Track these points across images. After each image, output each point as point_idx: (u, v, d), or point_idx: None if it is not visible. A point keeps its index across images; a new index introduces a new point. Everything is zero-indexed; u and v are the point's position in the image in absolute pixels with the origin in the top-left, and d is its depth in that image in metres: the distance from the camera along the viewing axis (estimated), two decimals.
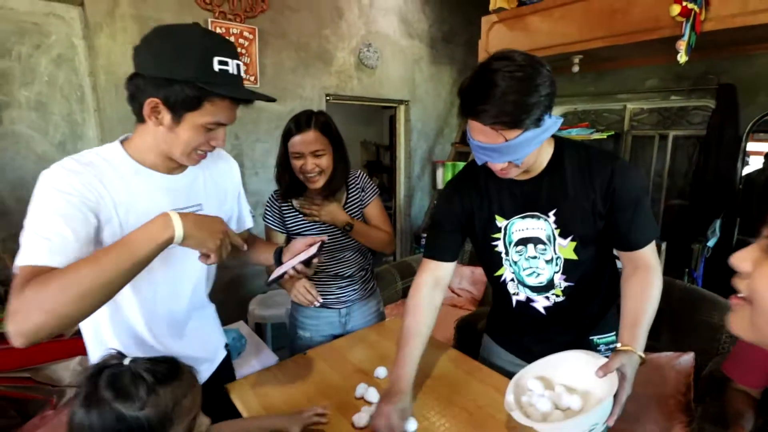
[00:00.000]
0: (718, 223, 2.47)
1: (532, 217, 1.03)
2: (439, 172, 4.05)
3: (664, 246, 2.28)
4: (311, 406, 1.05)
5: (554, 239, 1.03)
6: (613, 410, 0.83)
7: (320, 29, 3.01)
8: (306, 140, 1.30)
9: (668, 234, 2.67)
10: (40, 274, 0.68)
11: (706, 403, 1.54)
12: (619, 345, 0.92)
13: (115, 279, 0.70)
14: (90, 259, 0.70)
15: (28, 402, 1.67)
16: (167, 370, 0.66)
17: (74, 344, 1.75)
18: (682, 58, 2.04)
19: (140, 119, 0.86)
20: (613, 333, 1.13)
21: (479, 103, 0.84)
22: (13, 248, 1.99)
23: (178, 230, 0.74)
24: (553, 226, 1.02)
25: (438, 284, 1.14)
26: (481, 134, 0.89)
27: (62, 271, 0.68)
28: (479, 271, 2.73)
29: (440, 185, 4.08)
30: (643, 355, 0.89)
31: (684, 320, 1.87)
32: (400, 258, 3.78)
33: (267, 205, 1.48)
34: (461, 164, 3.91)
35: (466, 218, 1.12)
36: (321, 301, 1.22)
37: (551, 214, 1.01)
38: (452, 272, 1.17)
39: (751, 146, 2.60)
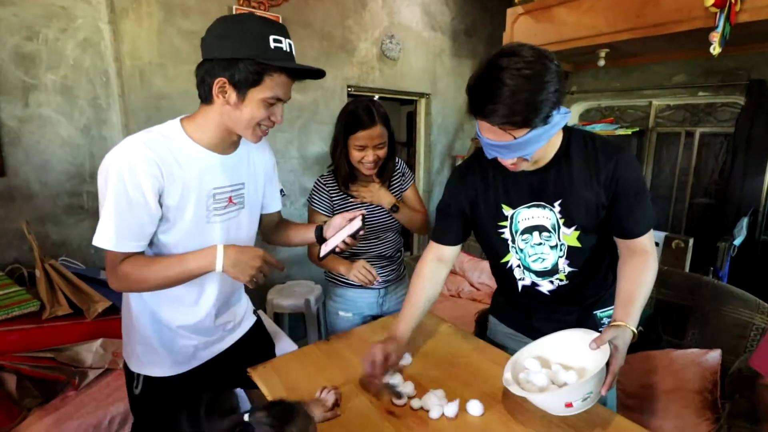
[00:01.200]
0: (745, 221, 2.42)
1: (538, 206, 1.06)
2: None
3: (691, 243, 2.24)
4: (323, 388, 1.05)
5: (559, 228, 1.06)
6: (606, 379, 0.86)
7: (343, 19, 3.00)
8: (372, 135, 1.35)
9: (693, 232, 2.62)
10: (129, 256, 0.95)
11: (735, 400, 1.51)
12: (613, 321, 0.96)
13: (174, 282, 0.98)
14: (161, 266, 0.96)
15: (51, 382, 1.68)
16: (284, 410, 0.65)
17: (96, 326, 1.76)
18: (715, 50, 1.99)
19: (207, 101, 0.97)
20: (614, 307, 1.16)
21: (487, 103, 0.84)
22: (38, 231, 2.03)
23: (219, 267, 0.96)
24: (558, 216, 1.04)
25: (442, 262, 1.22)
26: (489, 133, 0.90)
27: (142, 268, 0.95)
28: None
29: None
30: (635, 330, 0.92)
31: (711, 317, 1.83)
32: (418, 252, 3.77)
33: (314, 190, 1.51)
34: None
35: (469, 206, 1.15)
36: (380, 279, 1.31)
37: (557, 204, 1.04)
38: (456, 254, 1.24)
39: None
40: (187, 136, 0.99)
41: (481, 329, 2.13)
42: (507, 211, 1.09)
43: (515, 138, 0.87)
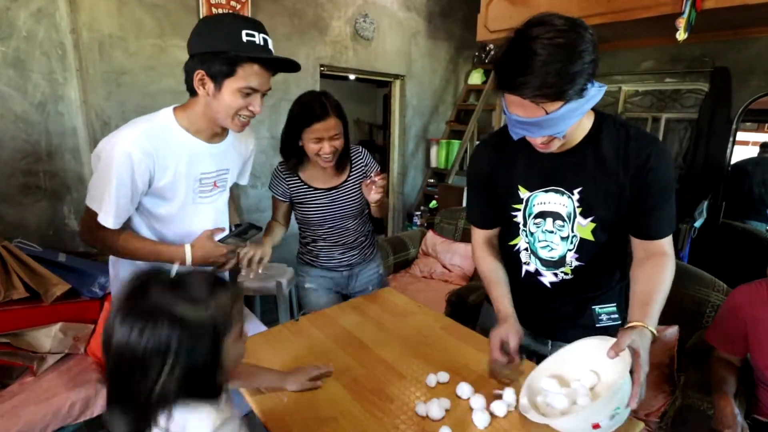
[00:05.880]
0: (705, 204, 2.51)
1: (556, 192, 1.00)
2: (433, 150, 4.01)
3: None
4: (312, 365, 1.05)
5: (574, 217, 0.99)
6: (633, 391, 0.77)
7: None
8: (327, 127, 1.36)
9: None
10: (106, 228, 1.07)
11: (690, 372, 1.58)
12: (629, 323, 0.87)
13: (144, 261, 1.12)
14: (136, 248, 1.10)
15: (7, 368, 1.62)
16: (214, 276, 0.65)
17: (55, 310, 1.71)
18: (680, 35, 2.03)
19: (193, 93, 1.07)
20: (614, 304, 1.12)
21: (518, 75, 0.78)
22: None
23: (189, 261, 1.11)
24: (576, 204, 0.98)
25: (490, 240, 1.19)
26: (519, 108, 0.83)
27: (119, 242, 1.09)
28: (471, 248, 2.74)
29: (434, 163, 4.06)
30: (655, 332, 0.84)
31: (670, 294, 1.89)
32: (392, 234, 3.77)
33: (273, 176, 1.55)
34: (456, 143, 3.89)
35: (491, 181, 1.10)
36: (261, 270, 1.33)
37: (576, 191, 0.97)
38: (497, 231, 1.18)
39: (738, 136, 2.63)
40: (179, 125, 1.09)
41: (453, 309, 2.16)
42: (523, 193, 1.03)
43: (548, 113, 0.80)
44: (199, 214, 1.19)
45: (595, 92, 0.82)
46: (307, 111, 1.36)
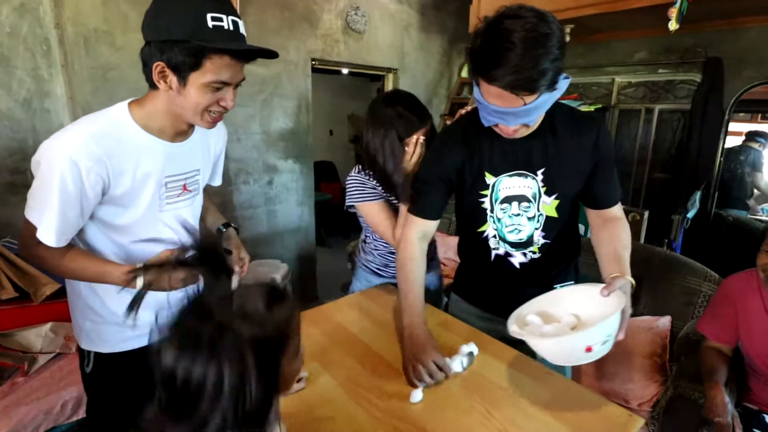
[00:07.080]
0: (698, 195, 2.52)
1: (520, 175, 1.06)
2: None
3: (646, 215, 2.32)
4: None
5: (539, 197, 1.07)
6: (622, 325, 0.85)
7: None
8: (426, 128, 1.32)
9: (650, 205, 2.71)
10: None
11: (682, 362, 1.59)
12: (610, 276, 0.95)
13: (89, 281, 0.99)
14: (80, 267, 0.94)
15: None
16: (273, 289, 0.60)
17: (45, 309, 1.69)
18: (672, 25, 2.02)
19: (152, 85, 0.91)
20: (572, 282, 1.22)
21: (497, 67, 0.82)
22: None
23: (139, 284, 0.91)
24: (541, 184, 1.06)
25: (425, 237, 1.19)
26: (497, 98, 0.87)
27: (60, 260, 0.93)
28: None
29: None
30: (634, 282, 0.93)
31: (662, 285, 1.91)
32: None
33: (360, 184, 1.38)
34: None
35: (456, 175, 1.13)
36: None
37: (539, 172, 1.05)
38: (436, 226, 1.21)
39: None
40: (135, 123, 0.94)
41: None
42: (489, 179, 1.09)
43: (526, 103, 0.85)
44: (168, 221, 1.04)
45: (564, 83, 0.89)
46: (416, 111, 1.31)
